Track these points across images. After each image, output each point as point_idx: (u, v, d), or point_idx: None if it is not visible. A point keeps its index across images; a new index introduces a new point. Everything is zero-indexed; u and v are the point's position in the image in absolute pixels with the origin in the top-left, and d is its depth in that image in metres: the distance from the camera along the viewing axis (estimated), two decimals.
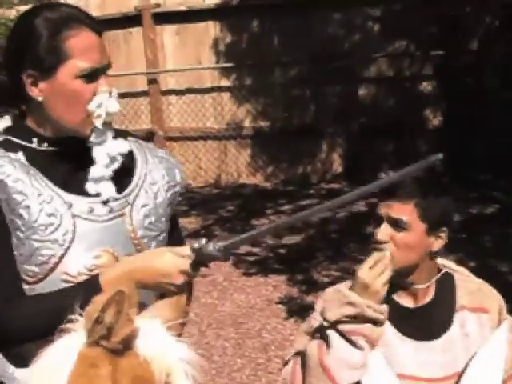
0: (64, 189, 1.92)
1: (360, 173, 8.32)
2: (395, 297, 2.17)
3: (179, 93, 9.35)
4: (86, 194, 1.94)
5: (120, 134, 2.04)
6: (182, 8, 9.17)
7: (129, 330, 1.53)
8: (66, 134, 1.93)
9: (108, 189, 1.95)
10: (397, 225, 2.10)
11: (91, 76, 1.89)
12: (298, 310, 5.19)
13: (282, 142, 8.75)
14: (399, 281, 2.15)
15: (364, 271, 2.08)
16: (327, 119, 8.68)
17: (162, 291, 1.90)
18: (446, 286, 2.20)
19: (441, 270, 2.22)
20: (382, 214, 2.12)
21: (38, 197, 1.88)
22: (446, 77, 8.08)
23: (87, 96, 1.89)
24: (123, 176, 2.00)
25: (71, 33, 1.87)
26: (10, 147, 1.93)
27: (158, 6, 9.32)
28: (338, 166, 8.82)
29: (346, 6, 8.35)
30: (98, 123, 1.90)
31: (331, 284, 5.22)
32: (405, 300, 2.17)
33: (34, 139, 1.94)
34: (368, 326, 2.08)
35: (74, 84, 1.88)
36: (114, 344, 1.53)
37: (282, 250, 6.36)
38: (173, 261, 1.85)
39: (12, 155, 1.91)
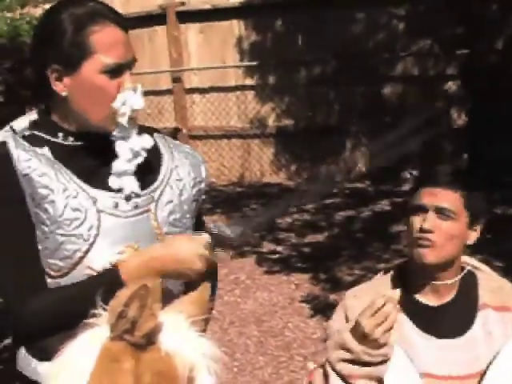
0: (89, 183, 1.92)
1: (384, 172, 8.31)
2: (418, 296, 2.16)
3: (203, 91, 9.37)
4: (110, 189, 1.94)
5: (146, 130, 2.04)
6: (207, 6, 9.19)
7: (152, 324, 1.54)
8: (90, 129, 1.93)
9: (131, 183, 1.94)
10: (444, 213, 2.06)
11: (115, 71, 1.88)
12: (321, 309, 5.18)
13: (305, 140, 8.74)
14: (427, 279, 2.14)
15: (363, 318, 2.01)
16: (351, 118, 8.67)
17: (182, 279, 1.91)
18: (469, 283, 2.18)
19: (464, 267, 2.20)
20: (426, 203, 2.07)
21: (63, 191, 1.88)
22: (471, 76, 8.03)
23: (111, 92, 1.88)
24: (149, 172, 1.99)
25: (96, 28, 1.87)
26: (36, 142, 1.93)
27: (183, 4, 9.34)
28: (361, 166, 8.80)
29: (370, 5, 8.33)
30: (123, 121, 1.90)
31: (354, 283, 5.24)
32: (427, 298, 2.16)
33: (60, 134, 1.94)
34: (367, 368, 2.04)
35: (98, 79, 1.88)
36: (137, 338, 1.53)
37: (305, 249, 6.35)
38: (190, 246, 1.87)
39: (38, 150, 1.92)
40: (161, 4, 9.41)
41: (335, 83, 8.61)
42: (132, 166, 1.93)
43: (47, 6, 6.69)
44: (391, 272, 2.24)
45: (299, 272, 5.85)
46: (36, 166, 1.89)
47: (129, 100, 1.89)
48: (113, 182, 1.93)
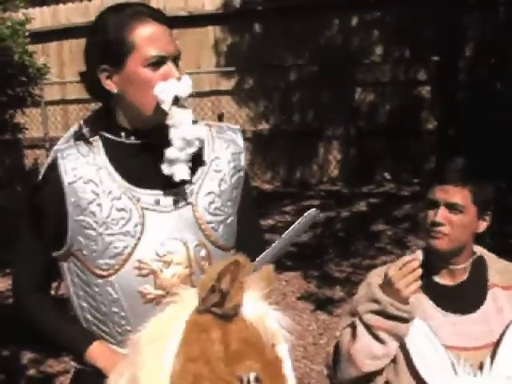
0: (134, 183, 2.03)
1: (356, 175, 8.48)
2: (436, 277, 2.37)
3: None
4: (154, 186, 2.04)
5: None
6: (182, 13, 9.28)
7: (241, 297, 1.68)
8: (145, 123, 2.02)
9: (181, 171, 2.00)
10: (454, 208, 2.29)
11: (159, 63, 1.96)
12: (314, 303, 5.32)
13: (280, 145, 8.87)
14: (443, 263, 2.36)
15: (392, 270, 2.23)
16: (325, 123, 8.82)
17: None
18: (479, 266, 2.41)
19: (475, 252, 2.43)
20: (438, 198, 2.30)
21: (108, 195, 2.00)
22: (441, 82, 8.23)
23: (155, 82, 1.96)
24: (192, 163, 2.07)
25: (137, 24, 1.96)
26: (92, 141, 2.06)
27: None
28: (333, 169, 8.96)
29: (345, 10, 8.50)
30: (165, 106, 1.96)
31: (345, 278, 5.35)
32: (444, 279, 2.38)
33: (122, 133, 2.05)
34: (391, 322, 2.23)
35: (142, 72, 1.96)
36: (227, 310, 1.66)
37: (292, 248, 6.43)
38: None
39: (84, 151, 2.03)
40: None
41: (310, 88, 8.76)
42: (184, 155, 1.99)
43: (27, 11, 6.71)
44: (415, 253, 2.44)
45: (288, 270, 5.97)
46: (81, 174, 2.00)
47: (170, 87, 1.96)
48: (165, 168, 2.00)
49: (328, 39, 8.73)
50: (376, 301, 2.24)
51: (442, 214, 2.29)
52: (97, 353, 2.03)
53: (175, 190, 2.05)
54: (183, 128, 1.98)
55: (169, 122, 1.98)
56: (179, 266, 2.04)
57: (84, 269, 2.04)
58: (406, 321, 2.24)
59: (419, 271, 2.20)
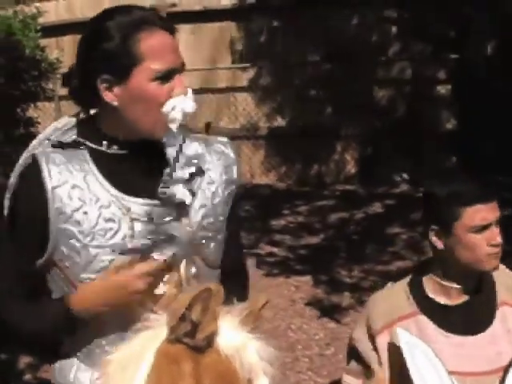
0: (124, 192, 1.90)
1: (373, 174, 8.36)
2: (436, 297, 2.21)
3: (193, 92, 9.33)
4: (146, 196, 1.91)
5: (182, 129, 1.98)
6: (198, 8, 9.20)
7: (214, 327, 1.55)
8: (140, 137, 1.90)
9: (181, 192, 1.91)
10: (499, 222, 2.17)
11: (166, 77, 1.84)
12: (323, 311, 5.21)
13: (296, 142, 8.78)
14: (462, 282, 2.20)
15: None
16: (342, 120, 8.71)
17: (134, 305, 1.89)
18: (487, 282, 2.25)
19: None
20: (490, 219, 2.16)
21: (95, 202, 1.87)
22: (461, 80, 8.11)
23: (163, 98, 1.85)
24: None
25: (144, 35, 1.83)
26: (76, 148, 1.92)
27: (174, 5, 9.34)
28: (351, 168, 8.85)
29: (363, 7, 8.38)
30: (174, 126, 1.86)
31: (355, 285, 5.26)
32: (447, 298, 2.23)
33: (104, 142, 1.92)
34: None
35: (149, 87, 1.84)
36: (198, 341, 1.54)
37: (302, 251, 6.36)
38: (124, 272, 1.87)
39: (70, 156, 1.91)
40: (152, 5, 9.39)
41: (327, 85, 8.65)
42: (183, 174, 1.90)
43: (41, 4, 6.70)
44: (408, 277, 2.31)
45: (298, 274, 5.88)
46: (66, 178, 1.87)
47: (179, 105, 1.85)
48: (162, 189, 1.90)
49: (346, 36, 8.60)
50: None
51: (497, 232, 2.17)
52: (77, 299, 1.90)
53: (167, 201, 1.92)
54: (183, 147, 1.90)
55: (167, 141, 1.88)
56: (168, 284, 1.92)
57: (67, 282, 1.91)
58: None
59: None
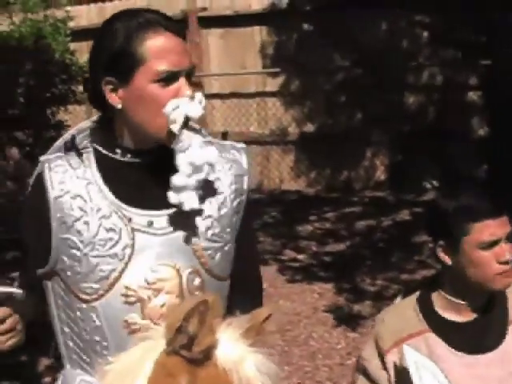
0: (126, 202, 1.87)
1: (403, 181, 8.29)
2: (445, 313, 2.16)
3: (223, 97, 9.37)
4: (148, 207, 1.89)
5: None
6: (228, 12, 9.19)
7: (211, 340, 1.53)
8: (148, 142, 1.87)
9: (190, 200, 1.85)
10: (510, 238, 2.10)
11: (169, 79, 1.80)
12: (345, 319, 5.16)
13: (325, 148, 8.73)
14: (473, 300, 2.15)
15: None
16: (372, 126, 8.65)
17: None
18: (498, 298, 2.19)
19: None
20: (499, 235, 2.08)
21: (96, 212, 1.86)
22: (492, 87, 8.00)
23: (165, 100, 1.80)
24: None
25: (148, 35, 1.80)
26: (84, 153, 1.90)
27: (205, 9, 9.35)
28: (381, 174, 8.78)
29: (394, 12, 8.31)
30: (175, 128, 1.80)
31: (378, 293, 5.21)
32: (456, 315, 2.17)
33: (118, 150, 1.89)
34: None
35: (151, 88, 1.80)
36: (194, 354, 1.52)
37: (326, 258, 6.33)
38: None
39: (75, 163, 1.89)
40: (183, 9, 9.42)
41: (357, 90, 8.59)
42: (192, 181, 1.83)
43: (72, 8, 6.76)
44: (417, 293, 2.25)
45: (322, 281, 5.83)
46: (69, 188, 1.86)
47: (182, 106, 1.79)
48: (172, 197, 1.84)
49: (375, 41, 8.53)
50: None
51: (508, 249, 2.08)
52: None
53: (170, 211, 1.89)
54: (191, 152, 1.81)
55: (175, 146, 1.81)
56: (170, 295, 1.88)
57: (67, 291, 1.90)
58: None
59: None
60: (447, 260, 2.12)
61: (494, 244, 2.08)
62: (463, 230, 2.08)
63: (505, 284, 2.10)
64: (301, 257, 6.36)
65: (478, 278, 2.10)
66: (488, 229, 2.07)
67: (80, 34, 8.42)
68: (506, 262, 2.07)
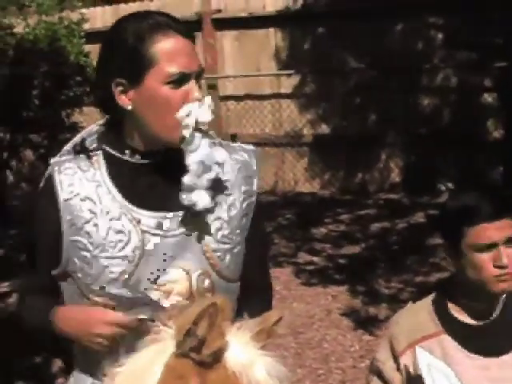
0: (135, 204, 1.88)
1: (418, 183, 8.25)
2: (457, 314, 2.14)
3: (238, 99, 9.37)
4: (157, 208, 1.89)
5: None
6: (243, 14, 9.19)
7: (221, 343, 1.52)
8: (157, 144, 1.87)
9: (202, 199, 1.85)
10: (510, 242, 2.06)
11: (180, 81, 1.81)
12: (359, 322, 5.13)
13: (340, 150, 8.71)
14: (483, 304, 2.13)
15: None
16: (386, 128, 8.62)
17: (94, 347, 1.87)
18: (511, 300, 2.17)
19: None
20: (496, 238, 2.04)
21: (106, 214, 1.86)
22: (508, 89, 7.96)
23: (176, 102, 1.81)
24: None
25: (158, 38, 1.81)
26: (93, 155, 1.91)
27: (219, 11, 9.35)
28: (396, 176, 8.75)
29: (409, 14, 8.28)
30: (187, 133, 1.81)
31: (392, 296, 5.19)
32: (467, 317, 2.15)
33: (127, 151, 1.90)
34: None
35: (162, 90, 1.80)
36: (204, 357, 1.51)
37: (341, 260, 6.31)
38: (99, 313, 1.86)
39: (84, 165, 1.90)
40: (197, 11, 9.43)
41: (371, 93, 8.57)
42: (203, 181, 1.83)
43: (88, 10, 6.80)
44: (432, 295, 2.24)
45: (336, 284, 5.81)
46: (78, 190, 1.87)
47: (194, 111, 1.81)
48: (183, 197, 1.84)
49: (390, 43, 8.50)
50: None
51: (505, 253, 2.04)
52: (58, 317, 1.91)
53: (179, 213, 1.88)
54: (201, 152, 1.82)
55: (185, 147, 1.82)
56: (180, 297, 1.88)
57: (79, 292, 1.90)
58: None
59: None
60: (454, 262, 2.12)
61: (491, 247, 2.04)
62: (461, 233, 2.06)
63: (502, 288, 2.07)
64: (315, 259, 6.34)
65: (477, 280, 2.07)
66: (485, 232, 2.03)
67: (94, 36, 8.40)
68: (502, 266, 2.04)
